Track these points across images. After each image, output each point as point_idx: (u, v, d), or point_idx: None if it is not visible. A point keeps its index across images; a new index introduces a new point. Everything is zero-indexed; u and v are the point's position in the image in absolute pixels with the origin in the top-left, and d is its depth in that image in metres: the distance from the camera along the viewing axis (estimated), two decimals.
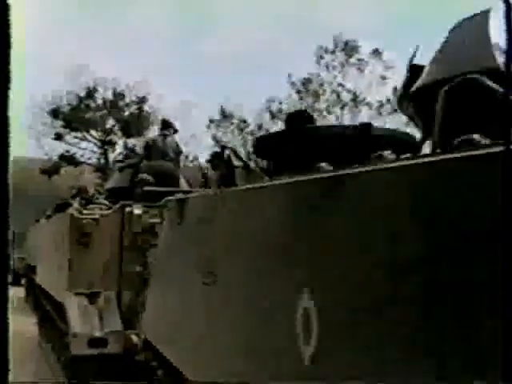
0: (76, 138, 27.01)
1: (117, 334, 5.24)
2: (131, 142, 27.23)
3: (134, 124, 25.96)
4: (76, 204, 6.45)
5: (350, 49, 23.97)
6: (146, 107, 26.22)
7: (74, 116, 25.77)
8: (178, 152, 8.12)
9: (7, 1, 0.86)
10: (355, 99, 23.63)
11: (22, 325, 8.11)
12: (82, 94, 25.89)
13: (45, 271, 7.53)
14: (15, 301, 12.83)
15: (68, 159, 26.74)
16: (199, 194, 3.74)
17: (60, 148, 26.72)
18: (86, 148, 26.76)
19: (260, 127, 24.59)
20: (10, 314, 0.85)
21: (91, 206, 6.24)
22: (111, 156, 27.13)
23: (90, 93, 25.97)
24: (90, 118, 25.68)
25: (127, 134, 26.02)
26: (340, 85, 23.89)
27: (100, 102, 26.38)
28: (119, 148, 27.37)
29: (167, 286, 3.36)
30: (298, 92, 24.55)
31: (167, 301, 3.28)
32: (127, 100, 26.41)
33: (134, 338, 4.81)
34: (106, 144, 26.75)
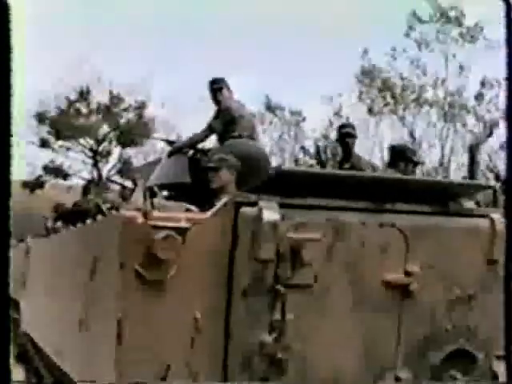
0: (63, 147, 23.75)
1: None
2: (127, 152, 24.17)
3: (131, 132, 22.83)
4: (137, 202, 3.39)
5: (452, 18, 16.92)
6: (146, 113, 23.08)
7: (62, 122, 22.52)
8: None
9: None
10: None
11: None
12: (73, 97, 22.67)
13: (46, 322, 4.37)
14: None
15: (53, 171, 23.48)
16: None
17: (46, 158, 23.41)
18: (75, 158, 23.43)
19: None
20: None
21: (159, 203, 3.22)
22: (104, 168, 23.95)
23: (83, 95, 22.79)
24: (80, 125, 22.44)
25: (123, 143, 22.91)
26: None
27: (93, 106, 23.14)
28: (113, 160, 24.22)
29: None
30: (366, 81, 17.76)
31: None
32: (125, 105, 23.28)
33: None
34: (97, 154, 23.52)
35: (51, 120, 22.78)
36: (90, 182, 21.02)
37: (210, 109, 5.06)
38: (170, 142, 5.36)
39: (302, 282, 2.73)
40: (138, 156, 23.55)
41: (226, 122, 4.78)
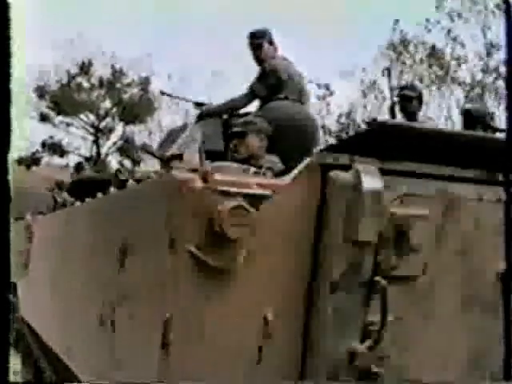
0: (63, 122, 22.89)
1: None
2: (131, 129, 23.37)
3: (135, 108, 21.98)
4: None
5: None
6: (150, 88, 22.16)
7: (62, 96, 21.64)
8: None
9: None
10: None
11: None
12: (74, 70, 21.76)
13: (51, 313, 3.64)
14: None
15: (51, 146, 22.66)
16: None
17: (44, 135, 22.55)
18: (75, 134, 22.57)
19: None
20: None
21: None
22: (105, 146, 23.15)
23: (84, 68, 21.88)
24: (81, 100, 21.57)
25: (127, 119, 22.09)
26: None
27: (94, 80, 22.24)
28: (115, 137, 23.41)
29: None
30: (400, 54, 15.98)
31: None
32: (128, 80, 22.40)
33: None
34: (99, 131, 22.68)
35: (51, 94, 21.91)
36: (87, 159, 20.18)
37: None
38: (198, 104, 4.61)
39: (408, 274, 2.06)
40: (141, 133, 22.75)
41: (272, 85, 4.04)
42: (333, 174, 1.93)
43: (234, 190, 1.78)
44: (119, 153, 23.95)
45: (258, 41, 4.26)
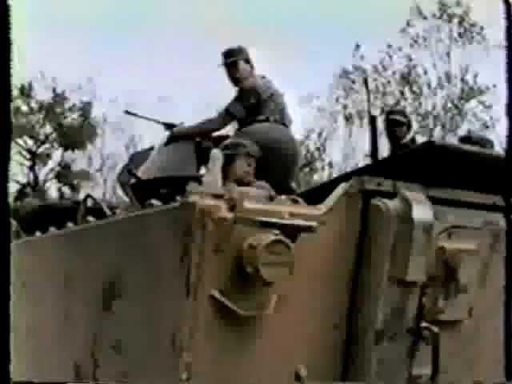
0: None
1: None
2: (70, 156, 22.56)
3: (76, 133, 21.21)
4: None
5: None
6: (92, 114, 21.47)
7: None
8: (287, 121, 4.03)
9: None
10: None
11: None
12: (13, 93, 20.93)
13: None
14: None
15: None
16: None
17: None
18: (12, 160, 21.56)
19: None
20: None
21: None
22: (41, 172, 22.21)
23: (25, 91, 21.04)
24: (19, 124, 20.68)
25: (66, 145, 21.29)
26: None
27: (34, 104, 21.40)
28: (52, 163, 22.51)
29: None
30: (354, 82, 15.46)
31: None
32: (69, 104, 21.66)
33: None
34: (36, 157, 21.76)
35: None
36: (24, 186, 19.28)
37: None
38: (168, 126, 4.23)
39: (455, 317, 1.78)
40: (76, 161, 22.04)
41: (251, 105, 3.71)
42: (377, 201, 1.65)
43: (270, 219, 1.46)
44: (57, 179, 23.05)
45: (233, 59, 3.94)
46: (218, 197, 1.51)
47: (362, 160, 14.75)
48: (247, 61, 3.94)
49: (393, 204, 1.65)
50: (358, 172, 1.77)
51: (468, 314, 1.81)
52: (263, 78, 3.92)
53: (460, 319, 1.79)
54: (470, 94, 14.92)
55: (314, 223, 1.47)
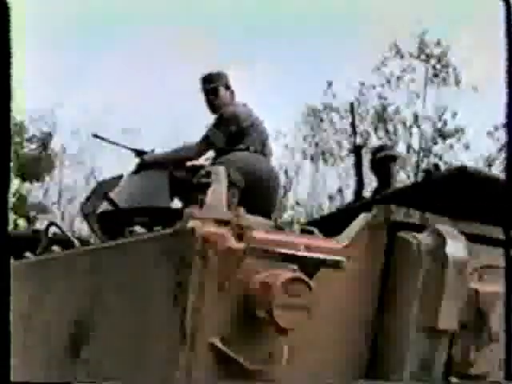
0: None
1: None
2: (27, 187, 21.88)
3: (33, 164, 20.61)
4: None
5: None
6: (52, 145, 20.93)
7: None
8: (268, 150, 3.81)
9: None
10: None
11: None
12: None
13: None
14: None
15: None
16: None
17: None
18: None
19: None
20: None
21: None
22: None
23: None
24: None
25: (23, 177, 20.65)
26: None
27: None
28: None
29: None
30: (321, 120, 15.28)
31: None
32: (28, 134, 21.10)
33: None
34: None
35: None
36: None
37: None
38: (139, 152, 3.95)
39: (486, 370, 1.54)
40: (31, 193, 21.36)
41: (231, 133, 3.48)
42: (405, 234, 1.41)
43: (288, 251, 1.20)
44: (13, 211, 22.34)
45: (213, 85, 3.71)
46: (222, 223, 1.25)
47: (326, 200, 14.61)
48: (227, 87, 3.73)
49: (424, 238, 1.41)
50: (376, 201, 1.54)
51: (499, 368, 1.57)
52: (244, 105, 3.71)
53: (490, 371, 1.56)
54: (445, 133, 15.00)
55: (341, 258, 1.21)
